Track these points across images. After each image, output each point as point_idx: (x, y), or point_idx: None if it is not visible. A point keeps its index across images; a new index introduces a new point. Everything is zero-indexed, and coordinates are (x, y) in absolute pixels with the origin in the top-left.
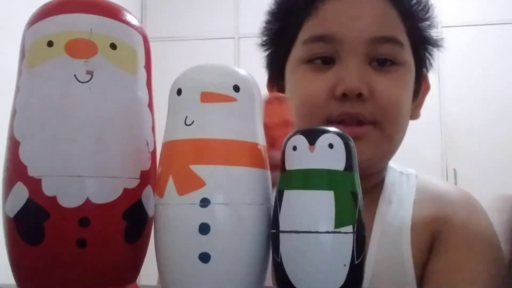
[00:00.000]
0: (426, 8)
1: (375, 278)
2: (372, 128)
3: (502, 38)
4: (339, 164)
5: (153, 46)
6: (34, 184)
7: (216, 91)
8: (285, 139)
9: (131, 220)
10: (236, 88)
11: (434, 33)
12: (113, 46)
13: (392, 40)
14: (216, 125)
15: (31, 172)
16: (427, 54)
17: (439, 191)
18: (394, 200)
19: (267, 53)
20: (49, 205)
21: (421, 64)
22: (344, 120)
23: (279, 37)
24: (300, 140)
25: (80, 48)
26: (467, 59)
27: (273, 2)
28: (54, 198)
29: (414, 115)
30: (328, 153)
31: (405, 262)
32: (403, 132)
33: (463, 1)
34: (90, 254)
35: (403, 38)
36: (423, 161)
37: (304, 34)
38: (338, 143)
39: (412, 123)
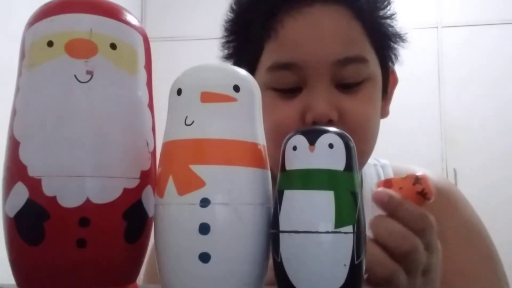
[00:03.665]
0: (386, 3)
1: None
2: None
3: (502, 38)
4: (339, 164)
5: (153, 46)
6: (34, 184)
7: (216, 91)
8: (285, 139)
9: (131, 220)
10: (236, 88)
11: (397, 28)
12: (113, 46)
13: (356, 60)
14: (216, 125)
15: (31, 172)
16: (392, 50)
17: None
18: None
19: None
20: (49, 205)
21: (387, 61)
22: None
23: (241, 57)
24: (300, 140)
25: (80, 48)
26: (466, 59)
27: (229, 10)
28: (54, 198)
29: (384, 113)
30: (328, 153)
31: None
32: (374, 143)
33: (463, 1)
34: (90, 254)
35: (368, 50)
36: (423, 161)
37: (267, 59)
38: (338, 143)
39: (412, 123)
